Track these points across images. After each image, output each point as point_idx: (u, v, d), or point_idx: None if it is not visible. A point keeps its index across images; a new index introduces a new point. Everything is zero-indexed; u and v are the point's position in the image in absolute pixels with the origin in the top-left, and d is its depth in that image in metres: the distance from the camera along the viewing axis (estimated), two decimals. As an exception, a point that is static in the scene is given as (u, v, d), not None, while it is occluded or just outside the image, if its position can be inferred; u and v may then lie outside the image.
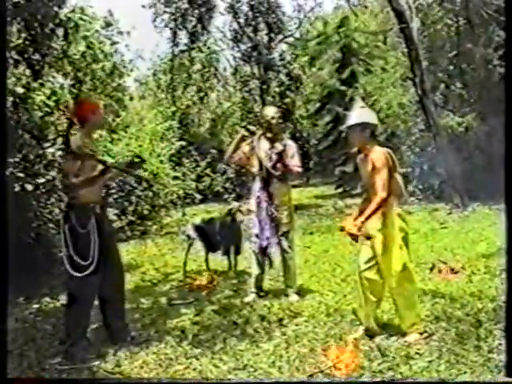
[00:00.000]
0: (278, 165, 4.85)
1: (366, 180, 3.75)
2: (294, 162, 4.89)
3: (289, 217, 4.95)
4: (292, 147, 4.94)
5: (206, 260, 6.47)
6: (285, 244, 4.92)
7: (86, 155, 3.63)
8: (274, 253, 4.98)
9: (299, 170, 4.95)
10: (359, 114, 3.77)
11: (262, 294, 5.06)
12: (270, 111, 4.98)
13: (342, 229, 3.67)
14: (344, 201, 14.88)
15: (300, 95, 20.25)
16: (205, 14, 18.39)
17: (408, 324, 3.67)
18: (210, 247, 6.43)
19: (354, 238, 3.59)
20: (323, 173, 21.74)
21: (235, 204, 6.45)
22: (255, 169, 4.92)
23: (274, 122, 4.88)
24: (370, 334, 3.72)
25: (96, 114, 3.89)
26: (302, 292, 5.05)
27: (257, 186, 4.93)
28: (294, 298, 4.87)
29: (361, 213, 3.71)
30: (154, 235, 9.98)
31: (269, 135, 4.91)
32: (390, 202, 3.63)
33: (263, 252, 4.97)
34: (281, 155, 4.86)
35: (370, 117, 3.78)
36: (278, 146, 4.88)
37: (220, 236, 6.28)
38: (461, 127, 12.37)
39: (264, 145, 4.91)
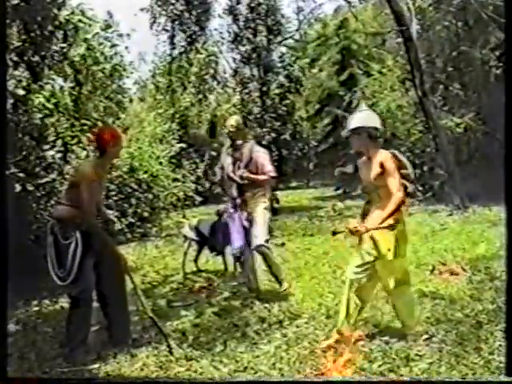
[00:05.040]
0: (245, 174, 4.89)
1: (368, 183, 3.69)
2: (267, 169, 4.91)
3: (263, 219, 4.93)
4: (260, 154, 4.97)
5: (195, 261, 6.59)
6: (264, 248, 4.89)
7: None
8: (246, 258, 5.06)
9: (272, 174, 4.95)
10: (360, 117, 3.72)
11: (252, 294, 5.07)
12: (231, 120, 5.11)
13: (334, 233, 3.68)
14: (344, 202, 14.89)
15: (299, 97, 20.26)
16: (201, 16, 18.44)
17: (409, 326, 3.67)
18: (209, 248, 6.49)
19: (357, 234, 3.58)
20: (323, 174, 21.82)
21: (222, 206, 6.53)
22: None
23: (233, 130, 4.98)
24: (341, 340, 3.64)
25: (116, 144, 3.82)
26: (302, 293, 5.05)
27: (231, 194, 5.07)
28: (284, 285, 4.96)
29: (364, 215, 3.70)
30: (153, 237, 9.97)
31: (234, 144, 5.02)
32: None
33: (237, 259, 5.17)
34: (247, 165, 4.92)
35: (371, 120, 3.71)
36: (245, 155, 4.95)
37: (216, 236, 6.31)
38: (459, 128, 12.39)
39: (230, 156, 5.06)
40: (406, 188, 3.61)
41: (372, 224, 3.52)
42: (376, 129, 3.69)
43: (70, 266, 3.62)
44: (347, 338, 3.47)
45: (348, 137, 3.74)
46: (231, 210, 5.08)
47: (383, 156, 3.58)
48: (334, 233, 3.74)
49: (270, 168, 4.94)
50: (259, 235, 4.86)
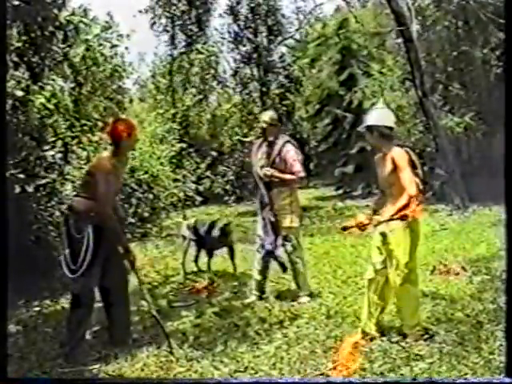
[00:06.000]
0: (269, 172, 4.82)
1: (383, 179, 3.72)
2: (295, 169, 4.84)
3: (290, 221, 4.89)
4: (290, 153, 4.87)
5: (196, 261, 6.56)
6: (288, 248, 4.90)
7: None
8: (281, 256, 4.96)
9: (300, 175, 4.89)
10: (374, 115, 3.77)
11: (263, 296, 5.05)
12: (265, 116, 5.02)
13: (345, 228, 3.67)
14: (344, 202, 14.90)
15: (300, 97, 20.27)
16: (202, 16, 18.46)
17: (410, 325, 3.67)
18: (204, 248, 6.48)
19: (361, 228, 3.60)
20: (323, 174, 21.76)
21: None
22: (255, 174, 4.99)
23: (266, 126, 4.90)
24: (368, 338, 3.70)
25: (131, 135, 3.80)
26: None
27: (259, 190, 4.97)
28: (304, 299, 4.86)
29: (375, 211, 3.72)
30: (154, 237, 9.97)
31: (266, 139, 4.94)
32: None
33: (270, 255, 4.94)
34: (274, 161, 4.85)
35: (384, 119, 3.74)
36: (274, 152, 4.87)
37: (212, 237, 6.31)
38: (459, 127, 12.39)
39: (260, 152, 4.97)
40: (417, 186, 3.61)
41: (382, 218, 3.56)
42: (389, 127, 3.70)
43: (81, 261, 3.60)
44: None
45: (364, 132, 3.78)
46: (259, 207, 5.01)
47: (395, 153, 3.61)
48: (345, 228, 3.74)
49: (298, 168, 4.86)
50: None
